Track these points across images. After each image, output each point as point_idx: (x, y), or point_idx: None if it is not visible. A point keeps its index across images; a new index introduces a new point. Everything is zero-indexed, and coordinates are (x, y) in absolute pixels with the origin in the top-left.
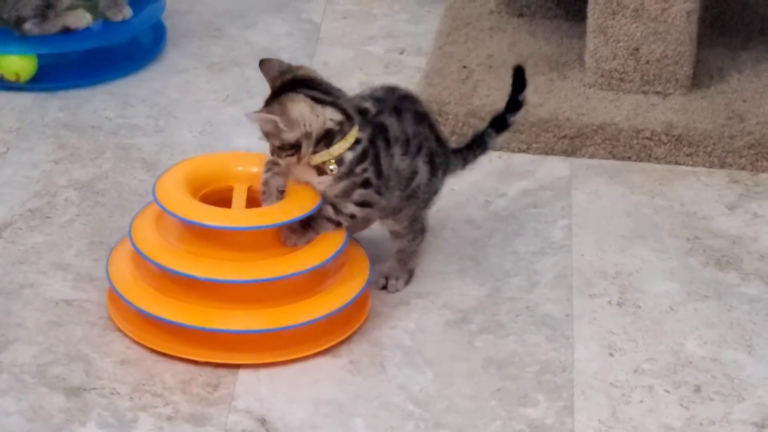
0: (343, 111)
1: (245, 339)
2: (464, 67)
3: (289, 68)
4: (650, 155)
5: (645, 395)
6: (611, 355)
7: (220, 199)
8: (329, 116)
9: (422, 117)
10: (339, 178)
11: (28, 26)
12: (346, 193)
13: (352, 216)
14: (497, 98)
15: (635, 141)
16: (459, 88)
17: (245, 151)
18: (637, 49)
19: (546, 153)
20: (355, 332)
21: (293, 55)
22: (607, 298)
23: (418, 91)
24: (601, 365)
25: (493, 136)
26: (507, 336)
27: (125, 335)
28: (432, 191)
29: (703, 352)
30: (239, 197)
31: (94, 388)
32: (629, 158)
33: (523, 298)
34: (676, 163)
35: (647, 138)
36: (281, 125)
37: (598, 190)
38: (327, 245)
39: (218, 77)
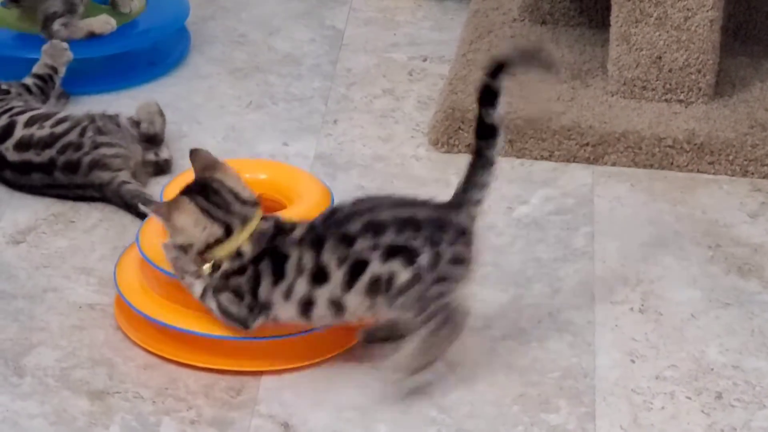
0: (226, 227)
1: (261, 346)
2: None
3: (210, 166)
4: (672, 163)
5: (666, 402)
6: (633, 361)
7: None
8: (213, 232)
9: (407, 222)
10: (210, 276)
11: (56, 26)
12: (216, 290)
13: (218, 307)
14: (519, 106)
15: (657, 149)
16: None
17: (268, 157)
18: (660, 58)
19: (568, 161)
20: None
21: (317, 61)
22: (629, 305)
23: (440, 99)
24: (622, 372)
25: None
26: (529, 342)
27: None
28: (436, 278)
29: (724, 359)
30: None
31: (117, 392)
32: (651, 166)
33: (546, 304)
34: (698, 171)
35: (669, 146)
36: (167, 229)
37: (621, 198)
38: None
39: (242, 83)
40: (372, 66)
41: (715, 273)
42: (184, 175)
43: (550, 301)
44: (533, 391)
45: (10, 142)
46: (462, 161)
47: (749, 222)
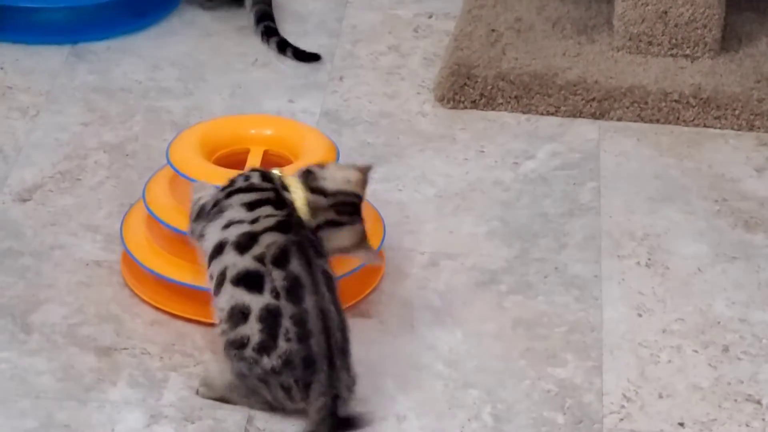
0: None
1: None
2: (493, 30)
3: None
4: (678, 118)
5: (673, 355)
6: (640, 315)
7: (235, 161)
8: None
9: None
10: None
11: None
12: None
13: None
14: (526, 61)
15: (663, 104)
16: (488, 52)
17: (275, 114)
18: (666, 12)
19: (574, 116)
20: (384, 293)
21: (322, 18)
22: (635, 259)
23: (446, 56)
24: (629, 325)
25: None
26: (536, 296)
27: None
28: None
29: (731, 313)
30: (254, 160)
31: (124, 348)
32: (657, 121)
33: (552, 259)
34: (705, 125)
35: (675, 101)
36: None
37: (627, 153)
38: None
39: (248, 40)
40: (378, 23)
41: (721, 227)
42: (189, 131)
43: (557, 256)
44: (540, 345)
45: None
46: (468, 117)
47: (755, 176)
